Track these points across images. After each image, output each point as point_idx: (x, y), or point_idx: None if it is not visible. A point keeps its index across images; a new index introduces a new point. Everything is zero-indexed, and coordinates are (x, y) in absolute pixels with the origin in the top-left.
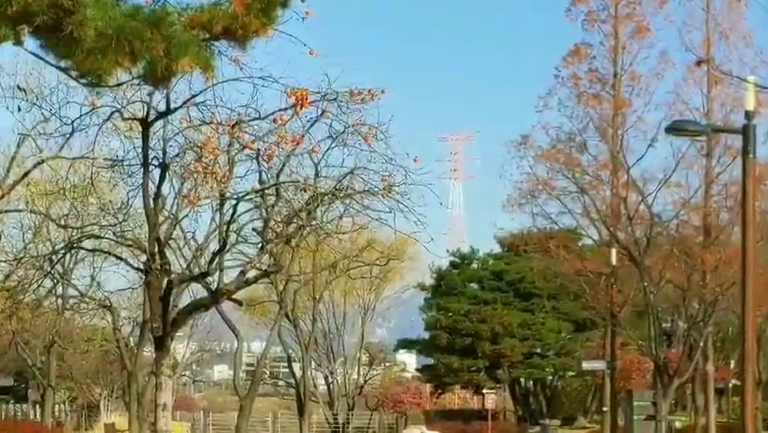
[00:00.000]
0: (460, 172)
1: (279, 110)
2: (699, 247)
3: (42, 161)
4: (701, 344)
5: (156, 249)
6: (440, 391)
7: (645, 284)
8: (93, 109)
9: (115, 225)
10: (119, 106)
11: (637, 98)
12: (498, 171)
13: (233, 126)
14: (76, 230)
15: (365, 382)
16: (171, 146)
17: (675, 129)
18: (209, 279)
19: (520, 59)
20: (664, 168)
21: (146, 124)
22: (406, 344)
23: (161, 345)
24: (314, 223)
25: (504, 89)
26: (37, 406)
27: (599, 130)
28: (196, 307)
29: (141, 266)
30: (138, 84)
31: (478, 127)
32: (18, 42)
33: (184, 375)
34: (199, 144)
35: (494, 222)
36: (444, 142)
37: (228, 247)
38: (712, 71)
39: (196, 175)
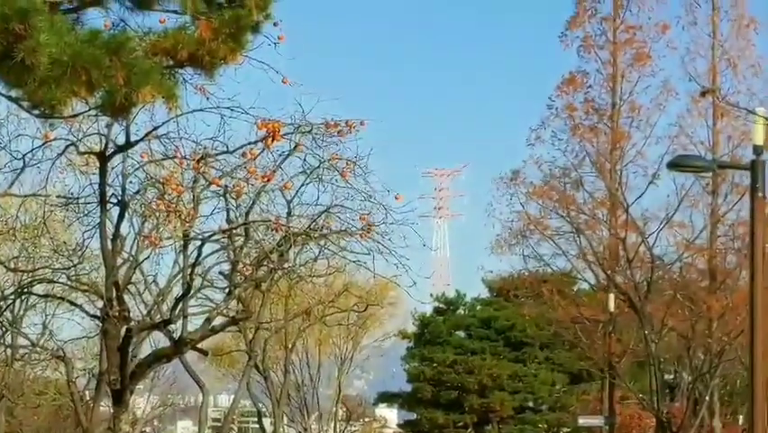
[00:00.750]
0: (445, 210)
1: (249, 143)
2: (705, 292)
3: None
4: (707, 397)
5: (114, 294)
6: None
7: (646, 332)
8: (46, 142)
9: (70, 268)
10: (74, 139)
11: (637, 131)
12: (487, 209)
13: (198, 161)
14: (26, 274)
15: None
16: (131, 182)
17: (678, 164)
18: (172, 327)
19: (511, 88)
20: (666, 206)
21: (104, 158)
22: (386, 397)
23: (120, 399)
24: (286, 266)
25: (494, 120)
26: None
27: (596, 165)
28: (158, 357)
29: (98, 313)
30: (95, 115)
31: (466, 161)
32: None
33: (144, 432)
34: (161, 180)
35: (482, 264)
36: (429, 177)
37: (192, 292)
38: (718, 102)
39: (157, 214)
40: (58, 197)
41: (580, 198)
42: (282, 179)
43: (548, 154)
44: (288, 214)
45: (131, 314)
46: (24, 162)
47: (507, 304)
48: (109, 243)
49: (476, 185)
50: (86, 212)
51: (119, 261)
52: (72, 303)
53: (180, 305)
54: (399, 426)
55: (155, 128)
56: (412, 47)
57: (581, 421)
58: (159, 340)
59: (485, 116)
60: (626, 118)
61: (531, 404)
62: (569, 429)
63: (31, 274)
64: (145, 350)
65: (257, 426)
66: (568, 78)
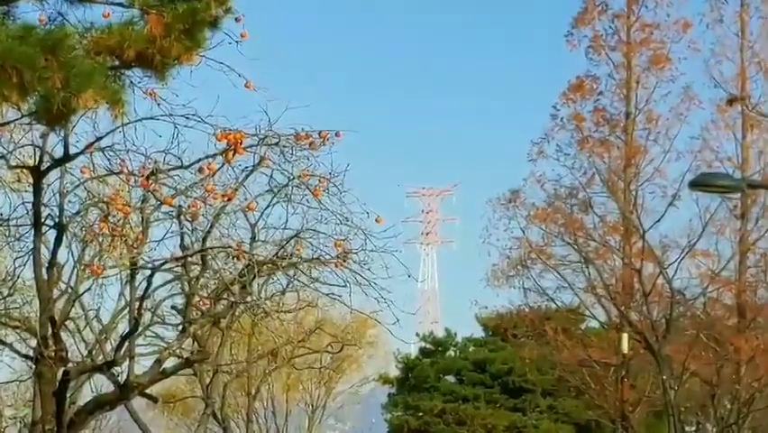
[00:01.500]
0: (434, 236)
1: (207, 157)
2: (732, 332)
3: None
4: None
5: (49, 331)
6: None
7: (664, 378)
8: None
9: None
10: (4, 152)
11: (655, 145)
12: (482, 235)
13: (147, 177)
14: None
15: None
16: (70, 202)
17: (702, 184)
18: (116, 369)
19: (508, 95)
20: (688, 232)
21: (38, 173)
22: None
23: None
24: (249, 299)
25: (490, 133)
26: None
27: (607, 184)
28: (100, 404)
29: (31, 353)
30: (29, 123)
31: (457, 179)
32: None
33: None
34: (105, 200)
35: (476, 299)
36: (415, 197)
37: (141, 329)
38: (747, 112)
39: (100, 238)
40: None
41: (590, 223)
42: (245, 199)
43: (552, 171)
44: (252, 239)
45: (69, 354)
46: None
47: (504, 345)
48: (44, 272)
49: (469, 207)
50: (17, 236)
51: (56, 293)
52: (1, 342)
53: (126, 344)
54: None
55: (98, 139)
56: (395, 49)
57: None
58: (101, 384)
59: (479, 128)
60: (641, 130)
61: None
62: None
63: None
64: (85, 396)
65: None
66: (575, 83)
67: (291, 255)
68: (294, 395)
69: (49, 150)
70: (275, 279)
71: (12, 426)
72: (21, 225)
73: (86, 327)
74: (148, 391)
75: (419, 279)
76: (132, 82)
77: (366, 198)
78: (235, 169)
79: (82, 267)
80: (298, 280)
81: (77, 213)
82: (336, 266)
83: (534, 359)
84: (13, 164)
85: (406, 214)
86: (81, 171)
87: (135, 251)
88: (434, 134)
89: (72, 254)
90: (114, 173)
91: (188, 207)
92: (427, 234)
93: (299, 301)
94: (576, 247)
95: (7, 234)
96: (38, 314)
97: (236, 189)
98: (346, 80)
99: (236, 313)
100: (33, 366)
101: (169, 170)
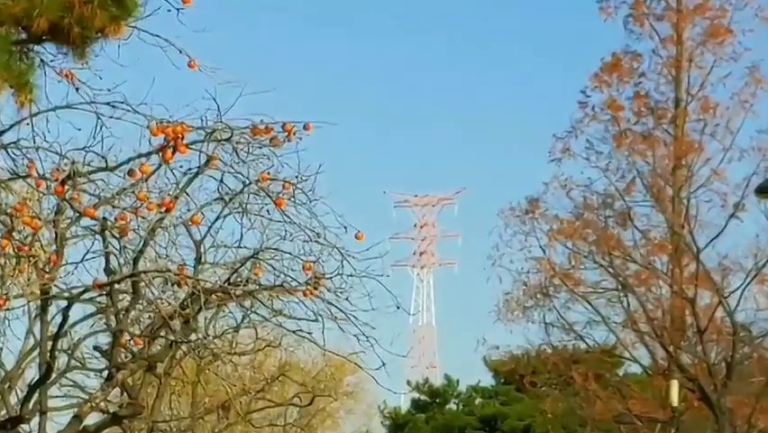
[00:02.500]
0: (430, 256)
1: (139, 156)
2: None
3: None
4: None
5: None
6: None
7: None
8: None
9: None
10: None
11: (712, 140)
12: (491, 255)
13: (63, 182)
14: None
15: None
16: None
17: None
18: (24, 427)
19: (525, 77)
20: (755, 252)
21: None
22: None
23: None
24: (193, 338)
25: (501, 126)
26: None
27: (651, 190)
28: None
29: None
30: None
31: (460, 184)
32: None
33: None
34: (9, 210)
35: (483, 337)
36: (405, 207)
37: (55, 376)
38: None
39: (2, 259)
40: None
41: (629, 239)
42: (188, 210)
43: (581, 174)
44: (198, 261)
45: None
46: None
47: (520, 396)
48: None
49: (474, 219)
50: None
51: None
52: None
53: (36, 395)
54: None
55: (0, 133)
56: (377, 21)
57: None
58: None
59: (487, 120)
60: (695, 122)
61: None
62: None
63: None
64: None
65: None
66: (610, 61)
67: (247, 281)
68: None
69: None
70: (226, 311)
71: None
72: None
73: None
74: None
75: (411, 311)
76: (42, 61)
77: (343, 208)
78: (176, 171)
79: None
80: (256, 313)
81: None
82: (305, 295)
83: (559, 414)
84: None
85: (394, 228)
86: None
87: (47, 276)
88: (431, 127)
89: None
90: (20, 177)
91: (115, 219)
92: (421, 253)
93: (258, 340)
94: (612, 271)
95: None
96: None
97: (176, 197)
98: (323, 57)
99: (177, 356)
100: None
101: (91, 172)
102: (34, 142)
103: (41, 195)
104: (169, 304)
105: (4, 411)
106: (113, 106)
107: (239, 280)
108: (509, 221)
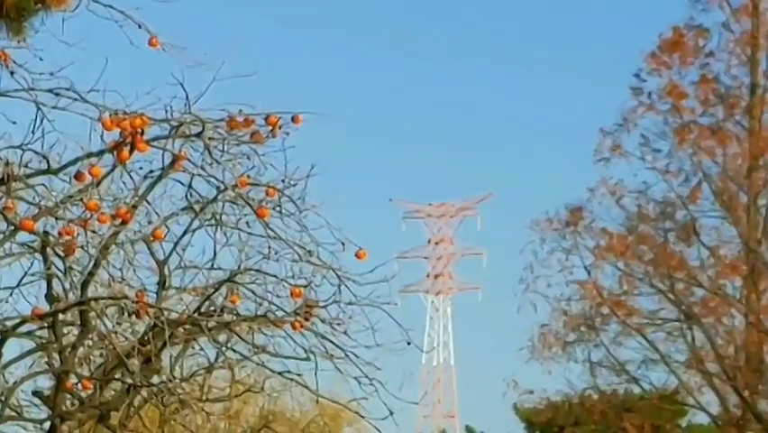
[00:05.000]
0: (447, 279)
1: (88, 155)
2: None
3: None
4: None
5: None
6: None
7: None
8: None
9: None
10: None
11: None
12: (522, 279)
13: None
14: None
15: None
16: None
17: None
18: None
19: (559, 61)
20: None
21: None
22: None
23: None
24: (156, 381)
25: (533, 122)
26: None
27: (722, 197)
28: None
29: None
30: None
31: (484, 190)
32: None
33: None
34: None
35: (513, 379)
36: (415, 219)
37: None
38: None
39: None
40: None
41: (694, 258)
42: (149, 222)
43: (634, 177)
44: (161, 285)
45: None
46: None
47: None
48: None
49: (502, 233)
50: None
51: None
52: None
53: None
54: None
55: None
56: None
57: None
58: None
59: (516, 115)
60: None
61: None
62: None
63: None
64: None
65: None
66: (670, 38)
67: (222, 310)
68: None
69: None
70: (197, 348)
71: None
72: None
73: None
74: None
75: (425, 347)
76: None
77: (341, 219)
78: (134, 174)
79: None
80: (233, 351)
81: None
82: (294, 328)
83: None
84: None
85: (403, 245)
86: None
87: None
88: (446, 123)
89: None
90: None
91: (59, 234)
92: (437, 276)
93: (235, 384)
94: (673, 297)
95: None
96: None
97: (135, 207)
98: (319, 37)
99: (135, 403)
100: None
101: (29, 176)
102: None
103: None
104: (126, 339)
105: None
106: (56, 94)
107: (212, 309)
108: (546, 235)
